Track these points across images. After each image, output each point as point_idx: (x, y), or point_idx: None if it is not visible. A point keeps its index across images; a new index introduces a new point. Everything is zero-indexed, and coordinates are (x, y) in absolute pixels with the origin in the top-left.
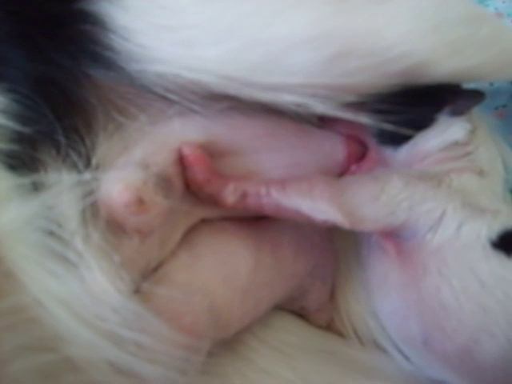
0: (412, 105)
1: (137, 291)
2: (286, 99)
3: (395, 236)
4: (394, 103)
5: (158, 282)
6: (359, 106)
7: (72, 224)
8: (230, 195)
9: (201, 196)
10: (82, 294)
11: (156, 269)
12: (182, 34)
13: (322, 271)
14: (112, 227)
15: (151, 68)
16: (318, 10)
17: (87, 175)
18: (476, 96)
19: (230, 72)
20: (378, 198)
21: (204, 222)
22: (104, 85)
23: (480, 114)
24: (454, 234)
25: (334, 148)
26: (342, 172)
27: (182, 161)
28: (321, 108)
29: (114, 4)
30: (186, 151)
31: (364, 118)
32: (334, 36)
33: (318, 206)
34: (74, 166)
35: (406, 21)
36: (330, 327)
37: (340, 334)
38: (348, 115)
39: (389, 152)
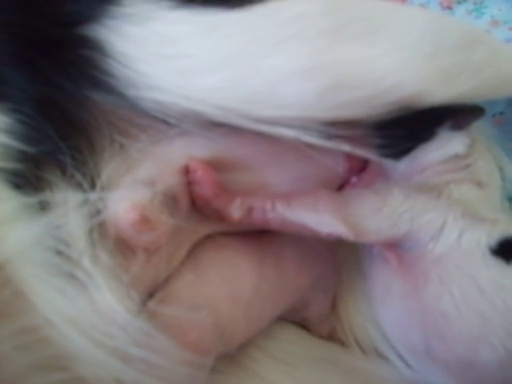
0: (412, 129)
1: (143, 309)
2: (281, 132)
3: (397, 246)
4: (393, 136)
5: (164, 300)
6: (355, 138)
7: (80, 243)
8: (236, 210)
9: (206, 211)
10: (90, 312)
11: (162, 286)
12: (179, 63)
13: (324, 283)
14: (119, 246)
15: (149, 95)
16: (313, 42)
17: (93, 195)
18: (476, 112)
19: (225, 102)
20: (380, 211)
21: (208, 237)
22: (104, 107)
23: (478, 124)
24: (455, 242)
25: (335, 161)
26: (343, 184)
27: (188, 176)
28: (315, 141)
29: (113, 31)
30: (194, 166)
31: (360, 151)
32: (327, 68)
33: (322, 219)
34: (79, 186)
35: (399, 50)
36: (331, 337)
37: (342, 344)
38: (345, 148)
39: (389, 164)
